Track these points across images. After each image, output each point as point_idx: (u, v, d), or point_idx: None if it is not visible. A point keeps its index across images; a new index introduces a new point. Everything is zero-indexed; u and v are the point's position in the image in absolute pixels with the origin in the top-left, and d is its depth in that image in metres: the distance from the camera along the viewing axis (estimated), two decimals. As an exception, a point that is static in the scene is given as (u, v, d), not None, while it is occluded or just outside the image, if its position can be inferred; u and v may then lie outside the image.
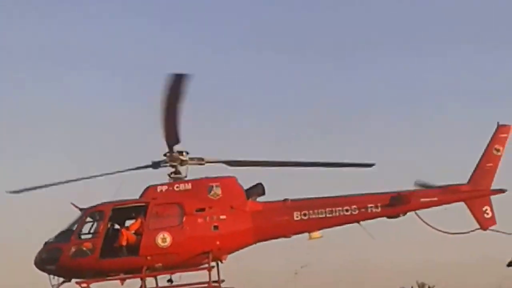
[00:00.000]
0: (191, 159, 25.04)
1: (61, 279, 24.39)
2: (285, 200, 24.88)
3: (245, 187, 24.96)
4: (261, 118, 57.40)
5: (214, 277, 24.31)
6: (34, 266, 24.64)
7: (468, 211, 24.51)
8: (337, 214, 24.40)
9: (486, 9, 60.08)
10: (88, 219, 24.36)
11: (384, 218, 25.25)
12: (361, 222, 24.57)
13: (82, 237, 24.09)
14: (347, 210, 24.42)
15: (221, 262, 24.76)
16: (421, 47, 59.48)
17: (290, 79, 61.03)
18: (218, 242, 23.82)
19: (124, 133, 48.92)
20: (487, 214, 24.39)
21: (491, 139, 24.99)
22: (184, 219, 23.79)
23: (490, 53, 57.77)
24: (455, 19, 60.27)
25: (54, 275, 24.23)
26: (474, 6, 60.64)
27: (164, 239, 23.51)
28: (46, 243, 24.46)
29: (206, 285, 23.60)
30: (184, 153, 24.78)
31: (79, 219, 24.33)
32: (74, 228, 24.15)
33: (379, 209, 24.45)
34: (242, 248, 24.86)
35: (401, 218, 25.25)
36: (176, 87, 20.53)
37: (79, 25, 61.60)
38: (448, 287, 36.13)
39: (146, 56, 60.51)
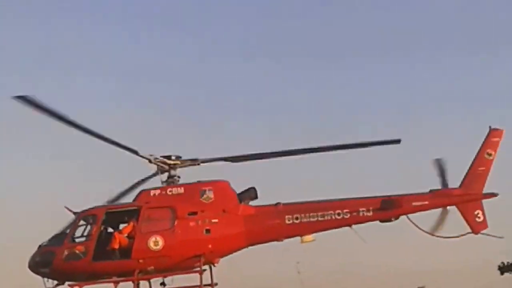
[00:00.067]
0: (184, 161, 25.04)
1: (55, 282, 24.30)
2: (277, 204, 24.75)
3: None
4: (254, 123, 57.57)
5: (208, 280, 24.53)
6: (28, 269, 24.97)
7: (459, 215, 24.79)
8: (329, 217, 24.27)
9: (478, 14, 60.29)
10: (81, 222, 24.35)
11: (377, 222, 25.61)
12: (353, 226, 24.40)
13: (75, 240, 24.13)
14: (338, 214, 24.31)
15: (214, 266, 24.73)
16: (413, 52, 59.84)
17: (283, 85, 61.44)
18: (210, 246, 23.77)
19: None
20: (479, 218, 24.21)
21: (483, 143, 24.83)
22: (176, 222, 23.77)
23: (480, 57, 58.10)
24: (447, 25, 60.41)
25: (48, 278, 24.24)
26: (465, 11, 60.82)
27: (156, 242, 23.46)
28: (40, 246, 24.50)
29: None
30: (172, 157, 24.77)
31: (72, 222, 24.39)
32: (68, 232, 24.23)
33: (370, 213, 24.33)
34: (234, 251, 24.79)
35: (394, 222, 25.72)
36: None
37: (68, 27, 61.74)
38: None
39: (138, 59, 60.76)
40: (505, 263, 38.19)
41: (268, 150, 24.83)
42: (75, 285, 23.76)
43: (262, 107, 59.25)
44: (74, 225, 24.27)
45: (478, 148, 24.76)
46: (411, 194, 24.64)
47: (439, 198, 24.63)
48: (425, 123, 51.69)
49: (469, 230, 24.30)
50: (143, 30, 63.47)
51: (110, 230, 24.62)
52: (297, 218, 24.34)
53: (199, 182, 24.87)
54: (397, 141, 24.08)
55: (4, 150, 49.94)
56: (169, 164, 24.88)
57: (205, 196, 24.25)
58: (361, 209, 24.32)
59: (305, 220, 24.29)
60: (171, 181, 25.03)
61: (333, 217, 24.29)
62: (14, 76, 52.64)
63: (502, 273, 35.00)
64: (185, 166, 25.13)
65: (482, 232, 24.24)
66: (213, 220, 23.99)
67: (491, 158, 24.63)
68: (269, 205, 24.88)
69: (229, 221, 24.17)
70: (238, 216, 24.33)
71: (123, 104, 56.58)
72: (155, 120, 52.89)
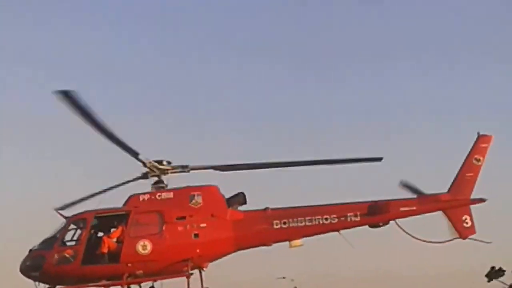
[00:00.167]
0: (174, 167, 24.94)
1: (46, 286, 24.23)
2: (266, 209, 24.60)
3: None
4: (247, 127, 57.58)
5: (198, 284, 24.61)
6: (19, 273, 25.13)
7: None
8: (317, 222, 24.09)
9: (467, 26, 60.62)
10: (71, 226, 24.34)
11: (366, 227, 25.51)
12: (342, 231, 24.17)
13: (65, 244, 24.04)
14: (326, 219, 24.13)
15: (202, 270, 24.45)
16: (400, 62, 60.13)
17: (276, 89, 61.60)
18: (198, 250, 23.64)
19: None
20: (467, 223, 23.97)
21: (472, 149, 24.62)
22: (164, 227, 23.66)
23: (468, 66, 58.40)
24: (433, 36, 60.68)
25: (39, 281, 24.20)
26: (455, 23, 61.06)
27: (144, 246, 23.37)
28: (30, 250, 24.40)
29: None
30: (164, 162, 24.68)
31: (62, 226, 24.31)
32: (58, 236, 24.12)
33: (358, 218, 24.13)
34: (223, 256, 24.61)
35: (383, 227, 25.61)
36: (75, 103, 21.13)
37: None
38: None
39: (129, 62, 60.96)
40: (495, 268, 38.06)
41: (258, 158, 24.98)
42: (65, 288, 24.11)
43: (253, 112, 59.53)
44: (64, 229, 24.20)
45: (466, 154, 24.51)
46: (399, 199, 24.43)
47: (427, 203, 24.41)
48: (413, 130, 51.86)
49: (457, 235, 24.06)
50: (131, 31, 64.04)
51: (99, 234, 24.43)
52: (285, 223, 24.15)
53: (188, 187, 24.76)
54: (379, 159, 24.08)
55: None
56: (160, 169, 24.76)
57: (194, 201, 24.15)
58: (348, 214, 24.10)
59: (293, 225, 24.09)
60: (160, 185, 24.85)
61: (321, 222, 24.11)
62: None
63: (489, 281, 34.84)
64: (175, 172, 24.97)
65: (470, 237, 24.00)
66: (202, 225, 23.86)
67: (479, 164, 24.39)
68: (258, 210, 24.72)
69: (217, 226, 24.01)
70: (227, 221, 24.17)
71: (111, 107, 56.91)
72: (144, 123, 53.19)
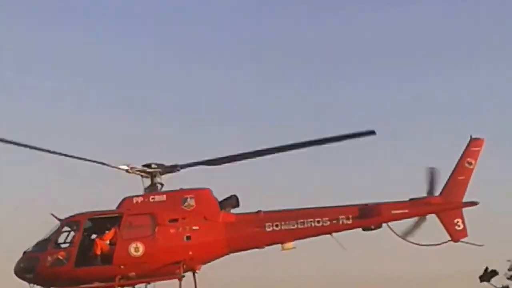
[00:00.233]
0: (164, 168, 24.80)
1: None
2: (258, 211, 24.49)
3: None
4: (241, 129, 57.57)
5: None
6: (14, 275, 25.19)
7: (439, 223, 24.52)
8: (309, 225, 23.93)
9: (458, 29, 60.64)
10: (65, 229, 24.32)
11: (359, 231, 25.45)
12: (334, 234, 24.01)
13: (59, 246, 24.00)
14: (318, 222, 23.94)
15: (196, 272, 24.34)
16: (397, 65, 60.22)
17: (271, 92, 61.73)
18: (190, 252, 23.56)
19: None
20: (459, 226, 23.75)
21: (464, 152, 24.43)
22: (156, 229, 23.61)
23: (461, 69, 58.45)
24: (424, 38, 60.74)
25: (33, 283, 24.21)
26: (448, 26, 61.11)
27: (137, 248, 23.31)
28: (25, 252, 24.42)
29: None
30: (153, 165, 24.64)
31: (56, 229, 24.28)
32: (51, 238, 24.15)
33: (350, 221, 23.95)
34: (215, 258, 24.51)
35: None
36: None
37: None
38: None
39: (119, 64, 60.96)
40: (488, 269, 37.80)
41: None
42: (58, 291, 23.98)
43: (247, 113, 59.50)
44: (57, 232, 24.20)
45: (458, 157, 24.35)
46: (390, 202, 24.24)
47: (419, 206, 24.23)
48: (405, 132, 51.82)
49: (449, 238, 23.83)
50: (121, 32, 63.98)
51: (92, 236, 24.36)
52: (277, 226, 24.00)
53: (181, 189, 24.71)
54: (372, 133, 23.27)
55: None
56: (149, 172, 24.73)
57: (186, 203, 24.08)
58: (340, 217, 23.93)
59: (285, 227, 23.95)
60: (154, 188, 24.81)
61: (313, 225, 23.93)
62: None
63: (481, 281, 34.54)
64: (165, 173, 24.91)
65: (462, 240, 23.79)
66: (194, 227, 23.79)
67: (471, 167, 24.20)
68: (250, 213, 24.60)
69: (209, 228, 23.92)
70: (219, 223, 24.07)
71: (102, 109, 57.01)
72: (137, 125, 53.17)
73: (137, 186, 25.19)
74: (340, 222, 24.00)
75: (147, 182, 25.23)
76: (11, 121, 42.87)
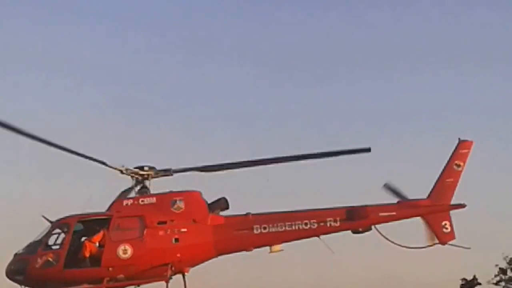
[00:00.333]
0: (157, 171, 24.61)
1: (31, 289, 24.23)
2: (247, 214, 24.25)
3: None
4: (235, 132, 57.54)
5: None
6: (5, 277, 24.95)
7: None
8: (296, 227, 23.68)
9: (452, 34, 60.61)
10: (55, 231, 24.15)
11: (349, 233, 25.32)
12: (322, 236, 23.74)
13: (48, 248, 23.80)
14: (306, 224, 23.68)
15: (184, 275, 24.01)
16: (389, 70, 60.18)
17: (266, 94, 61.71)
18: (178, 255, 23.36)
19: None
20: (446, 229, 23.39)
21: (452, 154, 24.06)
22: (145, 231, 23.41)
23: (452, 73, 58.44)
24: (414, 40, 60.73)
25: (23, 285, 24.07)
26: (442, 31, 61.07)
27: (125, 250, 23.13)
28: (15, 254, 24.29)
29: None
30: (145, 168, 24.44)
31: (46, 231, 24.14)
32: (41, 240, 23.97)
33: (338, 223, 23.63)
34: (204, 261, 24.25)
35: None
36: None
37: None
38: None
39: (118, 64, 61.06)
40: (466, 280, 37.98)
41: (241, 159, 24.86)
42: (48, 292, 23.59)
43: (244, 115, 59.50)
44: (48, 234, 24.03)
45: (447, 159, 24.03)
46: (378, 205, 23.93)
47: (406, 208, 23.89)
48: (394, 135, 51.72)
49: (437, 241, 23.54)
50: (120, 32, 64.11)
51: (82, 238, 24.07)
52: (265, 228, 23.72)
53: (171, 192, 24.51)
54: (367, 150, 23.46)
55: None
56: (142, 175, 24.53)
57: (176, 206, 23.89)
58: (328, 220, 23.63)
59: (272, 230, 23.68)
60: (144, 191, 24.60)
61: (301, 227, 23.68)
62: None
63: None
64: (158, 177, 24.69)
65: (449, 243, 23.47)
66: (182, 230, 23.57)
67: (459, 169, 23.81)
68: (239, 215, 24.34)
69: (198, 231, 23.69)
70: (207, 225, 23.83)
71: (93, 110, 57.02)
72: (130, 127, 53.25)
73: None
74: (328, 225, 23.69)
75: (139, 184, 25.42)
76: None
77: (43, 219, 24.72)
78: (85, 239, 23.92)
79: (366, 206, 23.96)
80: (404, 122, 54.65)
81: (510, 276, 41.95)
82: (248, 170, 24.66)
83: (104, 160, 23.86)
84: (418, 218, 24.04)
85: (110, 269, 23.25)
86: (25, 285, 24.25)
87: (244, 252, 24.46)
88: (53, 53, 59.87)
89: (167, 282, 23.19)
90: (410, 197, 24.15)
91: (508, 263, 40.95)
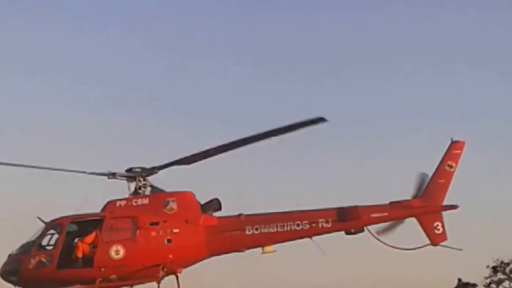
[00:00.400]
0: (145, 171, 24.48)
1: (25, 290, 23.92)
2: (239, 215, 24.07)
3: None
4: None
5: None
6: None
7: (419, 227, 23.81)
8: (288, 228, 23.47)
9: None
10: (48, 231, 24.04)
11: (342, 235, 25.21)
12: (314, 237, 23.59)
13: (42, 249, 23.72)
14: (298, 225, 23.48)
15: (177, 276, 23.72)
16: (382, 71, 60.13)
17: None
18: (170, 255, 23.18)
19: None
20: (438, 230, 23.10)
21: (444, 155, 23.77)
22: (137, 232, 23.26)
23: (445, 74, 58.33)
24: (404, 41, 60.72)
25: (18, 285, 23.98)
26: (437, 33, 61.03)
27: (117, 251, 22.99)
28: (9, 255, 24.22)
29: None
30: (134, 169, 24.32)
31: (40, 232, 24.05)
32: (35, 241, 23.89)
33: (329, 224, 23.39)
34: (196, 262, 24.05)
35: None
36: None
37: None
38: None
39: (116, 64, 61.09)
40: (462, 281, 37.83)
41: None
42: (41, 292, 23.26)
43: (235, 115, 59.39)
44: (42, 234, 23.93)
45: (439, 160, 23.77)
46: (370, 206, 23.69)
47: (398, 209, 23.62)
48: (386, 135, 51.57)
49: (428, 242, 23.27)
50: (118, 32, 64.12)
51: (75, 239, 23.93)
52: (257, 229, 23.52)
53: (164, 193, 24.37)
54: (322, 120, 22.36)
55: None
56: (132, 176, 24.45)
57: (168, 207, 23.74)
58: (320, 221, 23.40)
59: (264, 231, 23.49)
60: (138, 192, 24.48)
61: (292, 228, 23.46)
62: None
63: None
64: (147, 176, 24.52)
65: (441, 244, 23.18)
66: (175, 230, 23.38)
67: (452, 170, 23.51)
68: (232, 216, 24.15)
69: (190, 232, 23.51)
70: (200, 226, 23.63)
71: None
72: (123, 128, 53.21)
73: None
74: (320, 226, 23.45)
75: (132, 186, 25.42)
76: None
77: (38, 220, 25.01)
78: (78, 240, 23.72)
79: (358, 207, 23.68)
80: (398, 122, 54.51)
81: (500, 278, 42.01)
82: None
83: (84, 170, 23.98)
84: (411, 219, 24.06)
85: (103, 269, 23.09)
86: (19, 286, 24.04)
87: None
88: (51, 53, 59.95)
89: (158, 282, 22.98)
90: (402, 198, 24.07)
91: (499, 265, 40.98)
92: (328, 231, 23.70)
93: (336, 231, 23.84)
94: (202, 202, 24.64)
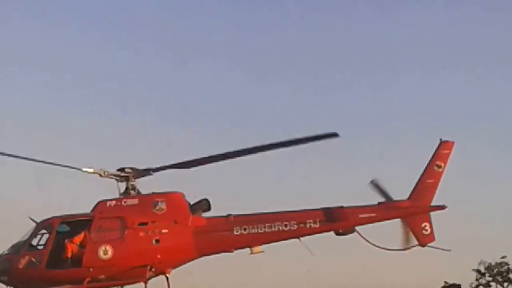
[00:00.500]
0: (138, 172, 24.20)
1: (16, 289, 23.34)
2: (228, 215, 23.71)
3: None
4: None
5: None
6: None
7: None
8: (276, 229, 23.13)
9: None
10: (39, 231, 23.81)
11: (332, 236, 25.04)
12: (302, 238, 23.29)
13: (32, 249, 23.51)
14: (286, 226, 23.11)
15: (167, 276, 23.58)
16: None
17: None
18: (159, 256, 22.88)
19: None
20: (426, 230, 22.63)
21: (433, 155, 23.25)
22: (126, 232, 22.98)
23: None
24: (397, 42, 60.50)
25: (9, 285, 23.77)
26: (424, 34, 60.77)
27: (105, 251, 22.69)
28: (0, 255, 23.98)
29: None
30: (126, 169, 23.99)
31: (30, 232, 23.82)
32: (26, 240, 23.67)
33: (317, 225, 22.99)
34: (185, 262, 23.73)
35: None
36: None
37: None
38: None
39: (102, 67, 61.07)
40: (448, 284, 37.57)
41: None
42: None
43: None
44: (32, 234, 23.67)
45: (428, 160, 23.34)
46: (359, 206, 23.27)
47: (387, 210, 23.13)
48: (375, 136, 51.32)
49: (416, 243, 22.86)
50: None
51: (64, 239, 23.53)
52: (245, 229, 23.16)
53: (153, 193, 24.07)
54: (335, 135, 22.33)
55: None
56: (124, 176, 24.12)
57: (158, 207, 23.44)
58: (308, 221, 23.01)
59: (252, 231, 23.14)
60: (128, 192, 24.20)
61: (280, 229, 23.10)
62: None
63: None
64: (139, 177, 24.21)
65: (429, 244, 22.74)
66: (163, 231, 23.07)
67: (440, 170, 22.99)
68: (220, 217, 23.80)
69: (178, 232, 23.19)
70: (188, 227, 23.29)
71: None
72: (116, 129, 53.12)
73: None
74: (308, 226, 23.03)
75: (123, 186, 25.39)
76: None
77: (29, 220, 25.01)
78: (67, 240, 23.36)
79: (346, 207, 23.17)
80: (387, 123, 54.33)
81: (487, 281, 41.83)
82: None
83: (79, 166, 23.61)
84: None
85: (91, 269, 22.79)
86: (11, 286, 23.77)
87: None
88: (49, 52, 60.04)
89: (145, 283, 22.66)
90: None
91: (485, 268, 40.83)
92: (316, 231, 23.22)
93: (324, 231, 23.36)
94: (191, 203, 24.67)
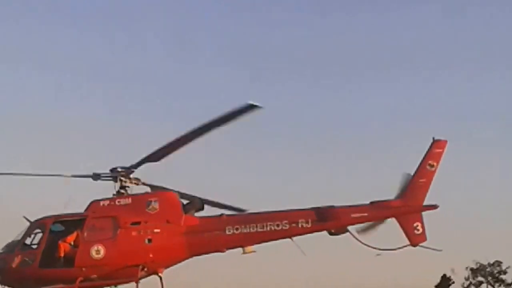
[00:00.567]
0: (124, 170, 24.13)
1: (10, 288, 22.91)
2: (221, 215, 23.52)
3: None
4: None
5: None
6: None
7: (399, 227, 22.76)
8: (268, 229, 22.87)
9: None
10: (32, 231, 23.65)
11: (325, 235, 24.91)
12: (294, 238, 23.10)
13: (25, 248, 23.35)
14: (277, 225, 22.85)
15: (160, 276, 23.44)
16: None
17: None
18: (151, 255, 22.68)
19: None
20: (418, 230, 22.23)
21: (426, 154, 22.84)
22: (118, 232, 22.76)
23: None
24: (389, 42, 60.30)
25: (2, 284, 23.73)
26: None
27: (98, 251, 22.50)
28: (-6, 255, 22.96)
29: None
30: (118, 169, 23.97)
31: (24, 231, 23.65)
32: (19, 240, 23.52)
33: (309, 224, 22.70)
34: (177, 262, 23.53)
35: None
36: None
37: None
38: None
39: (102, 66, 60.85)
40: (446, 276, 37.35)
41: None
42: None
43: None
44: (25, 234, 23.47)
45: (420, 159, 22.93)
46: (350, 206, 22.93)
47: (379, 209, 22.81)
48: (367, 135, 51.21)
49: (408, 243, 22.44)
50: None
51: (57, 238, 23.41)
52: (237, 229, 22.90)
53: (147, 193, 24.03)
54: (254, 106, 21.27)
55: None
56: (114, 176, 24.05)
57: (150, 206, 23.25)
58: (300, 221, 22.72)
59: (244, 231, 22.89)
60: (123, 192, 24.14)
61: (272, 228, 22.85)
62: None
63: None
64: (126, 175, 24.17)
65: (420, 244, 22.37)
66: (155, 230, 22.86)
67: (433, 169, 22.58)
68: (213, 216, 23.58)
69: (171, 232, 22.96)
70: (181, 226, 23.08)
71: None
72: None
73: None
74: (300, 226, 22.73)
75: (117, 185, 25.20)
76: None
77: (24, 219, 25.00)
78: (60, 239, 23.14)
79: (337, 207, 22.84)
80: (380, 122, 54.24)
81: (479, 281, 41.70)
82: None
83: (62, 173, 23.61)
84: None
85: (84, 269, 22.55)
86: (3, 284, 23.59)
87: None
88: (48, 52, 60.03)
89: (137, 282, 22.40)
90: (383, 198, 23.63)
91: (477, 268, 40.68)
92: (308, 231, 22.87)
93: (316, 231, 23.02)
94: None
